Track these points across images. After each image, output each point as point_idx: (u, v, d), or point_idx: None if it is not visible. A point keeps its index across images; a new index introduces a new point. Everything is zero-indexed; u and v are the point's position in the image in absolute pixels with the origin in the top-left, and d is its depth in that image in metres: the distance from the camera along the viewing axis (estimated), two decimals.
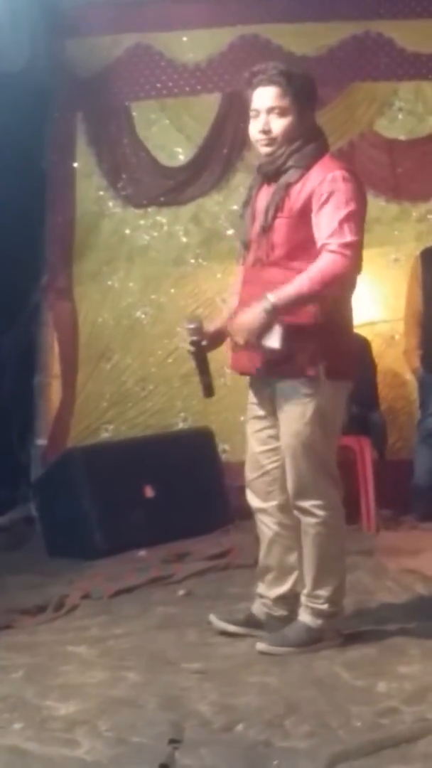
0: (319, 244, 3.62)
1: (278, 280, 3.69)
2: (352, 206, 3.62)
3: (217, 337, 3.94)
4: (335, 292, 3.65)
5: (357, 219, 3.63)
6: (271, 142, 3.76)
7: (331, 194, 3.63)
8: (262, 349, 3.63)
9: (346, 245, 3.58)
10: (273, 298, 3.57)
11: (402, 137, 6.76)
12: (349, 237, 3.59)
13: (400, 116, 6.78)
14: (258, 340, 3.61)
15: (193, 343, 3.87)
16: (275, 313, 3.58)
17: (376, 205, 6.64)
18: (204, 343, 3.88)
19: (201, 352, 3.89)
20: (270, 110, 3.75)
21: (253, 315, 3.60)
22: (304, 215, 3.67)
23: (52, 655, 3.80)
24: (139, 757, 2.84)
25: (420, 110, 6.74)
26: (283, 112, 3.74)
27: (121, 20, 6.83)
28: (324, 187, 3.64)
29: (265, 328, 3.59)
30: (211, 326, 3.96)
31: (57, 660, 3.74)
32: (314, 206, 3.65)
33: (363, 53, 6.73)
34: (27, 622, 4.29)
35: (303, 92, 3.75)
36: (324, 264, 3.58)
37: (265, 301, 3.57)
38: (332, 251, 3.57)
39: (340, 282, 3.62)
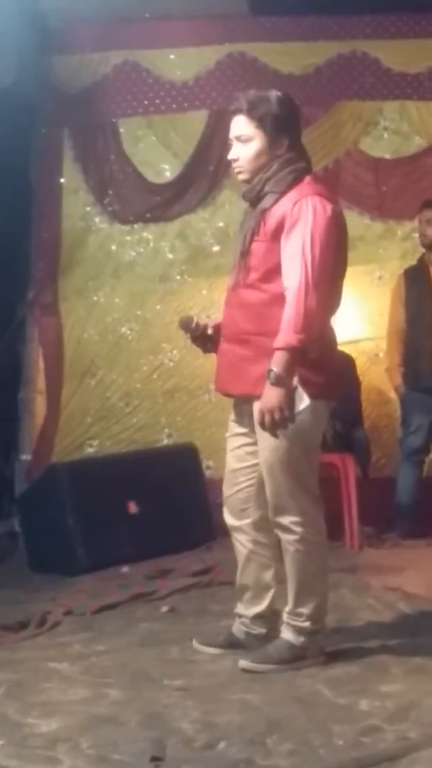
0: (284, 285, 3.63)
1: (251, 301, 3.73)
2: (316, 241, 3.58)
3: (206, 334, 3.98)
4: (320, 329, 3.63)
5: (320, 256, 3.58)
6: (241, 169, 3.83)
7: (296, 223, 3.62)
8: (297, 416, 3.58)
9: (305, 288, 3.54)
10: (274, 366, 3.54)
11: (387, 156, 6.81)
12: (306, 277, 3.55)
13: (385, 135, 6.84)
14: (290, 411, 3.55)
15: (194, 339, 3.96)
16: (285, 378, 3.53)
17: (361, 223, 6.70)
18: (210, 332, 3.93)
19: (206, 339, 3.94)
20: (237, 138, 3.82)
21: (267, 395, 3.55)
22: (278, 239, 3.68)
23: (34, 672, 3.78)
24: None
25: (405, 129, 6.80)
26: (247, 140, 3.79)
27: (109, 37, 6.88)
28: (293, 213, 3.64)
29: (287, 398, 3.54)
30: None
31: (39, 677, 3.72)
32: (286, 232, 3.65)
33: (349, 72, 6.78)
34: (9, 639, 4.27)
35: (270, 118, 3.75)
36: (291, 312, 3.55)
37: (269, 375, 3.54)
38: (293, 297, 3.56)
39: (315, 322, 3.58)
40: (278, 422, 3.55)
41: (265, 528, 3.87)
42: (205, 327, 3.98)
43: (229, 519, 3.98)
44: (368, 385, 6.57)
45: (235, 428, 3.93)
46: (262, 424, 3.58)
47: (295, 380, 3.60)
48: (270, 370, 3.54)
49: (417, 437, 6.17)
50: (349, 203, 6.58)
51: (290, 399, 3.55)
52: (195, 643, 4.04)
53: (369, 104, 6.81)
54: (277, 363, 3.54)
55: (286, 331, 3.54)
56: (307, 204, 3.65)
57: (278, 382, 3.53)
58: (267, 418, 3.55)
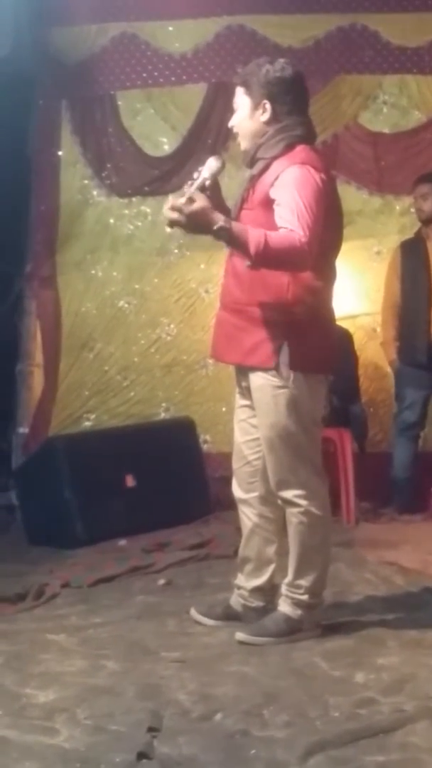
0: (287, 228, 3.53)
1: (242, 269, 3.68)
2: (303, 208, 3.54)
3: (218, 197, 3.84)
4: (270, 268, 3.57)
5: (309, 220, 3.52)
6: (238, 136, 3.87)
7: (282, 194, 3.59)
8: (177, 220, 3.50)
9: (306, 241, 3.50)
10: (231, 224, 3.50)
11: (386, 130, 6.78)
12: (302, 228, 3.50)
13: (384, 109, 6.80)
14: (184, 227, 3.52)
15: (204, 178, 3.76)
16: (219, 233, 3.48)
17: (359, 197, 6.68)
18: (208, 183, 3.76)
19: (202, 189, 3.75)
20: (234, 107, 3.87)
21: (206, 216, 3.46)
22: (265, 206, 3.65)
23: (32, 643, 3.80)
24: (118, 745, 2.85)
25: (404, 104, 6.76)
26: (240, 109, 3.83)
27: (107, 9, 6.83)
28: (278, 183, 3.62)
29: (199, 228, 3.50)
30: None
31: (36, 648, 3.74)
32: (274, 198, 3.62)
33: (349, 46, 6.74)
34: (7, 610, 4.29)
35: (254, 84, 3.76)
36: (288, 239, 3.49)
37: (225, 221, 3.48)
38: (300, 238, 3.49)
39: (285, 263, 3.56)
40: (174, 214, 3.47)
41: (272, 502, 3.88)
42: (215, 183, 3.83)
43: (237, 491, 3.99)
44: (365, 360, 6.57)
45: (239, 400, 3.94)
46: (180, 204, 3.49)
47: (285, 357, 3.62)
48: (229, 221, 3.51)
49: (411, 412, 6.18)
50: (348, 178, 6.58)
51: (196, 229, 3.52)
52: (193, 612, 4.06)
53: (368, 78, 6.77)
54: (236, 227, 3.50)
55: (266, 238, 3.44)
56: (292, 172, 3.62)
57: (217, 227, 3.45)
58: (176, 211, 3.47)
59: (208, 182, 3.77)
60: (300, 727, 2.98)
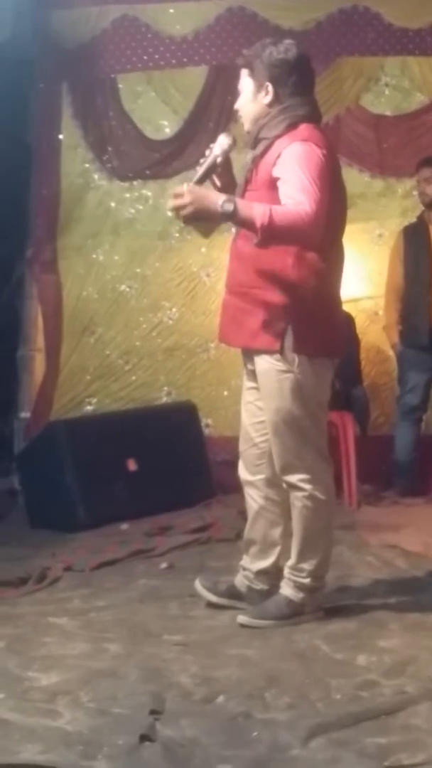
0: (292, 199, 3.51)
1: (247, 252, 3.68)
2: (308, 181, 3.51)
3: (229, 175, 3.85)
4: (278, 243, 3.55)
5: (318, 196, 3.49)
6: (242, 119, 3.86)
7: (285, 172, 3.56)
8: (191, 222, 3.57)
9: (313, 214, 3.46)
10: (235, 201, 3.49)
11: (388, 113, 6.76)
12: (314, 209, 3.48)
13: (386, 92, 6.77)
14: (193, 219, 3.55)
15: (215, 155, 3.76)
16: (227, 215, 3.48)
17: (360, 180, 6.66)
18: (219, 160, 3.76)
19: (213, 166, 3.77)
20: (239, 89, 3.86)
21: (211, 201, 3.47)
22: (269, 186, 3.63)
23: (34, 627, 3.81)
24: (120, 727, 2.85)
25: (406, 86, 6.73)
26: (243, 91, 3.83)
27: None
28: (283, 158, 3.60)
29: (207, 215, 3.49)
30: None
31: (39, 631, 3.75)
32: (278, 176, 3.59)
33: (350, 28, 6.71)
34: (9, 594, 4.30)
35: (257, 65, 3.75)
36: (294, 212, 3.45)
37: (230, 202, 3.46)
38: (305, 210, 3.45)
39: (293, 237, 3.52)
40: (182, 209, 3.49)
41: (278, 485, 3.87)
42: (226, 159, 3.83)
43: (243, 473, 3.98)
44: (367, 344, 6.57)
45: (247, 382, 3.93)
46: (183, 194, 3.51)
47: (290, 341, 3.63)
48: (235, 201, 3.49)
49: (414, 395, 6.18)
50: (350, 160, 6.55)
51: (203, 214, 3.49)
52: (197, 584, 4.05)
53: (370, 60, 6.74)
54: (243, 206, 3.48)
55: (272, 213, 3.42)
56: (295, 149, 3.59)
57: (224, 209, 3.45)
58: (181, 201, 3.49)
59: (219, 159, 3.76)
60: (302, 710, 2.98)
